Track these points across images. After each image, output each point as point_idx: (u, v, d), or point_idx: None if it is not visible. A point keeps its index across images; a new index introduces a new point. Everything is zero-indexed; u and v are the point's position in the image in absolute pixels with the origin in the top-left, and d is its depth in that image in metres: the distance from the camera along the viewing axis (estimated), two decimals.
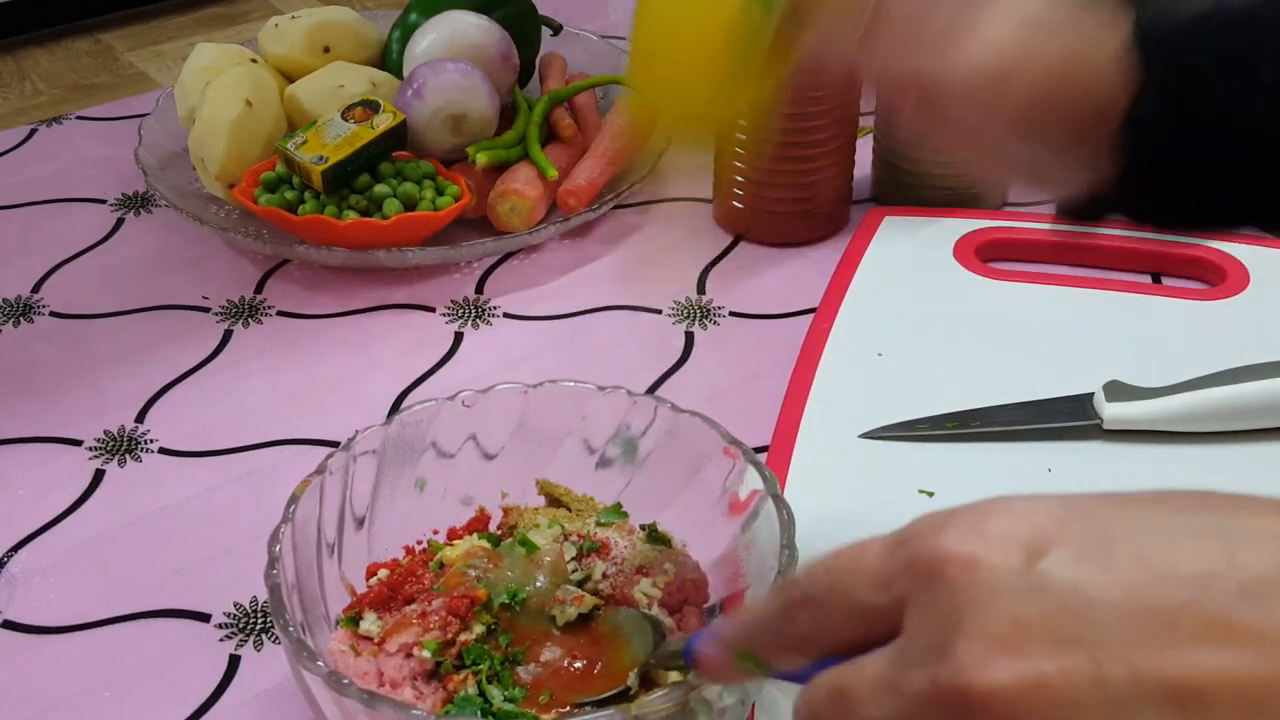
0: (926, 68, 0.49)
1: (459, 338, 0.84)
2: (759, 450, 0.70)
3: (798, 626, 0.38)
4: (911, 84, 0.50)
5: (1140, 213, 0.50)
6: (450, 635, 0.56)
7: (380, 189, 0.88)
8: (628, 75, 0.57)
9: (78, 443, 0.76)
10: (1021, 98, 0.47)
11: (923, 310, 0.83)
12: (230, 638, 0.64)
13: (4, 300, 0.89)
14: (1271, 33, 0.46)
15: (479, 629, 0.56)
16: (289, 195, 0.88)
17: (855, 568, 0.36)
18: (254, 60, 0.97)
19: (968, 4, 0.48)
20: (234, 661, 0.63)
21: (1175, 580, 0.31)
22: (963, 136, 0.50)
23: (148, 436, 0.77)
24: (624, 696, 0.53)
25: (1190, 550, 0.32)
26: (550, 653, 0.56)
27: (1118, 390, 0.71)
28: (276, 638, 0.64)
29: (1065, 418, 0.72)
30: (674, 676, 0.53)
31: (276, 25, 1.01)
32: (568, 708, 0.53)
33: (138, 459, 0.75)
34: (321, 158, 0.87)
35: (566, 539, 0.61)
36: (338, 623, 0.58)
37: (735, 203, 0.92)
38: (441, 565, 0.60)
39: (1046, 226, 0.51)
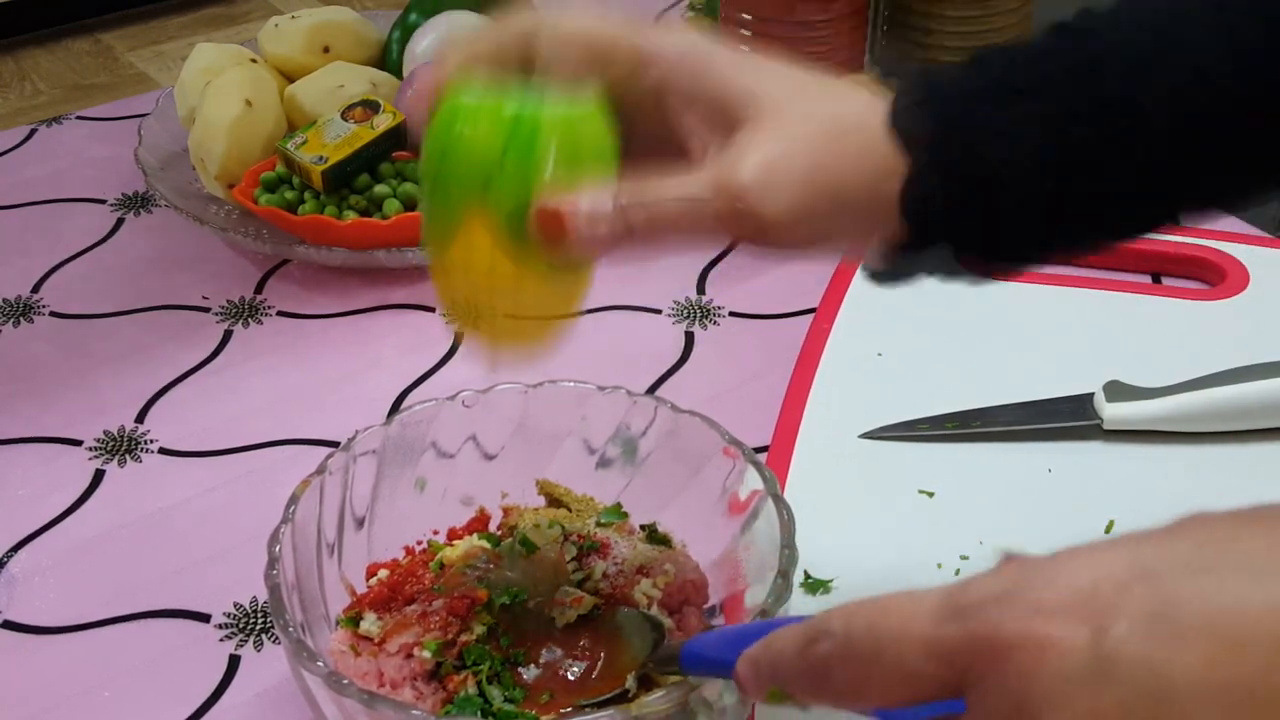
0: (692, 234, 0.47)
1: (459, 337, 0.84)
2: (759, 450, 0.70)
3: (836, 682, 0.37)
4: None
5: (939, 270, 0.51)
6: (450, 636, 0.56)
7: (380, 189, 0.88)
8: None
9: (78, 443, 0.76)
10: (797, 232, 0.46)
11: (923, 310, 0.82)
12: (230, 638, 0.64)
13: (4, 300, 0.89)
14: (1022, 87, 0.46)
15: (479, 629, 0.56)
16: (289, 195, 0.88)
17: (904, 633, 0.35)
18: (254, 60, 0.97)
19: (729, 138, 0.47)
20: (234, 661, 0.63)
21: (1248, 646, 0.30)
22: (772, 251, 0.49)
23: (148, 436, 0.77)
24: (623, 698, 0.53)
25: (1260, 606, 0.31)
26: (550, 653, 0.56)
27: (1118, 390, 0.71)
28: (276, 638, 0.64)
29: (1065, 418, 0.72)
30: (674, 677, 0.53)
31: (276, 25, 1.01)
32: (569, 708, 0.53)
33: (138, 459, 0.75)
34: (321, 158, 0.87)
35: (566, 539, 0.61)
36: (338, 623, 0.58)
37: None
38: (442, 565, 0.60)
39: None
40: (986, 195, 0.47)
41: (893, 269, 0.51)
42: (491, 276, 0.48)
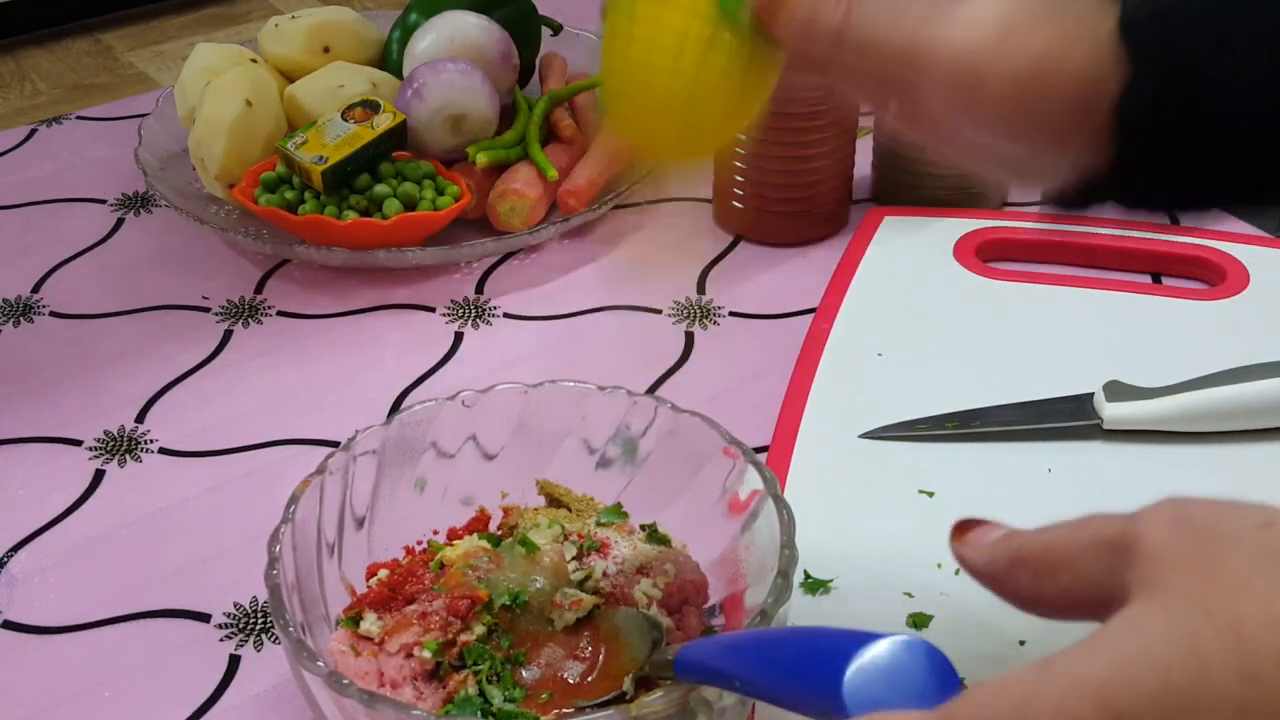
0: (907, 46, 0.47)
1: (459, 338, 0.84)
2: (759, 450, 0.70)
3: None
4: (892, 74, 0.48)
5: (1132, 199, 0.49)
6: (451, 635, 0.56)
7: (380, 189, 0.88)
8: (603, 112, 0.54)
9: (78, 443, 0.76)
10: (1003, 88, 0.46)
11: (923, 310, 0.83)
12: (230, 638, 0.64)
13: (4, 300, 0.89)
14: (1259, 13, 0.45)
15: (480, 629, 0.56)
16: (289, 195, 0.88)
17: None
18: (254, 60, 0.97)
19: None
20: (234, 661, 0.63)
21: None
22: (945, 137, 0.50)
23: (148, 437, 0.77)
24: (621, 699, 0.53)
25: None
26: (550, 653, 0.56)
27: (1118, 390, 0.71)
28: (276, 638, 0.64)
29: (1065, 418, 0.72)
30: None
31: (276, 25, 1.01)
32: (569, 709, 0.53)
33: (138, 459, 0.75)
34: (321, 158, 0.87)
35: (566, 539, 0.61)
36: (338, 623, 0.58)
37: (735, 203, 0.92)
38: (442, 565, 0.60)
39: (1038, 222, 0.49)
40: (1208, 121, 0.45)
41: (1081, 193, 0.49)
42: (684, 40, 0.49)
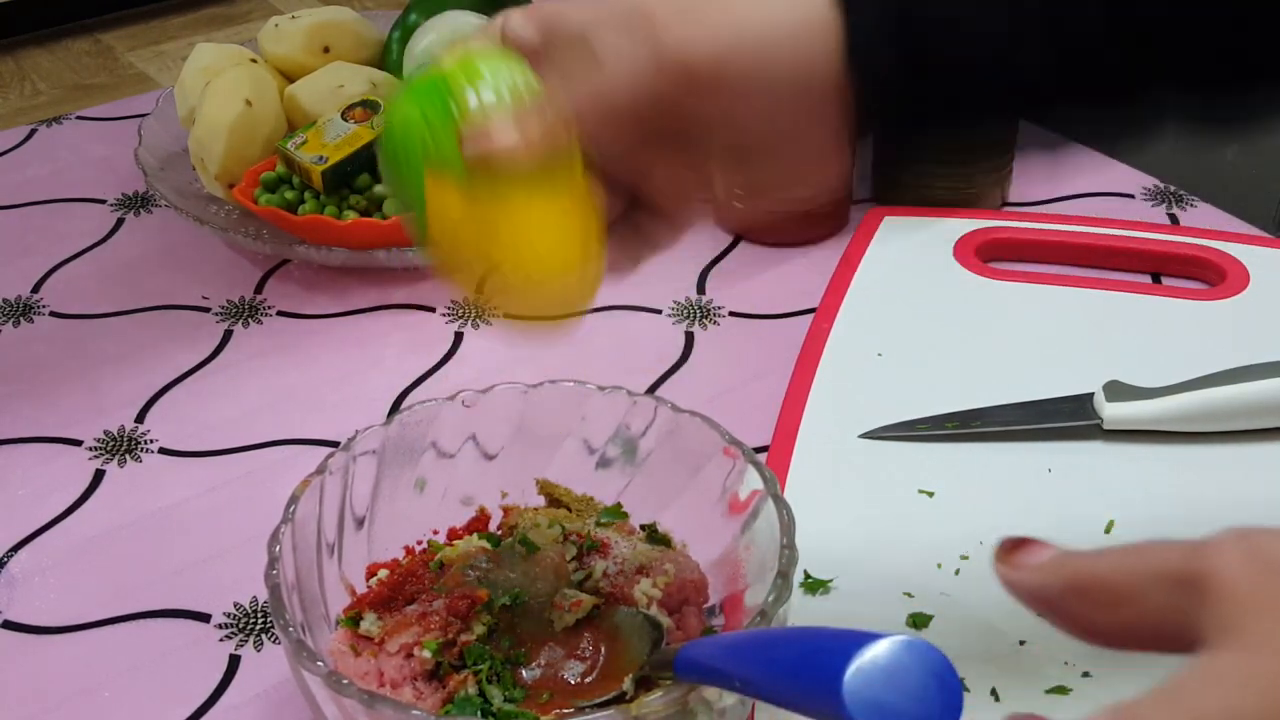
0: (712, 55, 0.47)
1: (459, 338, 0.84)
2: (759, 450, 0.70)
3: None
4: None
5: (895, 128, 0.51)
6: (451, 636, 0.56)
7: (380, 189, 0.88)
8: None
9: (78, 443, 0.76)
10: (745, 76, 0.47)
11: (923, 310, 0.83)
12: (230, 638, 0.64)
13: (4, 300, 0.89)
14: None
15: (479, 629, 0.56)
16: (289, 195, 0.89)
17: None
18: (254, 60, 0.97)
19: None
20: (234, 661, 0.63)
21: None
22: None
23: (148, 436, 0.77)
24: (620, 700, 0.53)
25: None
26: (551, 654, 0.56)
27: (1118, 390, 0.71)
28: (276, 638, 0.64)
29: (1065, 418, 0.72)
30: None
31: (276, 25, 1.01)
32: (569, 709, 0.53)
33: (137, 459, 0.75)
34: (321, 158, 0.87)
35: (566, 539, 0.61)
36: (338, 623, 0.58)
37: (735, 203, 0.92)
38: (442, 565, 0.60)
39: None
40: (936, 42, 0.46)
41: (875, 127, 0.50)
42: (475, 227, 0.49)
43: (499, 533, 0.63)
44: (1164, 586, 0.35)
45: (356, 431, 0.61)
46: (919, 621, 0.61)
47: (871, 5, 0.47)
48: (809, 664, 0.39)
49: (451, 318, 0.86)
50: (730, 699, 0.51)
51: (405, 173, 0.49)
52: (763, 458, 0.67)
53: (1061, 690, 0.57)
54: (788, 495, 0.58)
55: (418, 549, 0.63)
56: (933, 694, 0.37)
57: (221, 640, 0.64)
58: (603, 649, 0.56)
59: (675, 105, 0.47)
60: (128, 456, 0.75)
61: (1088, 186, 0.96)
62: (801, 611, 0.61)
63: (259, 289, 0.89)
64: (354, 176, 0.88)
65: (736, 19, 0.47)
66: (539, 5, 0.50)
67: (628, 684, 0.53)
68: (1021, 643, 0.60)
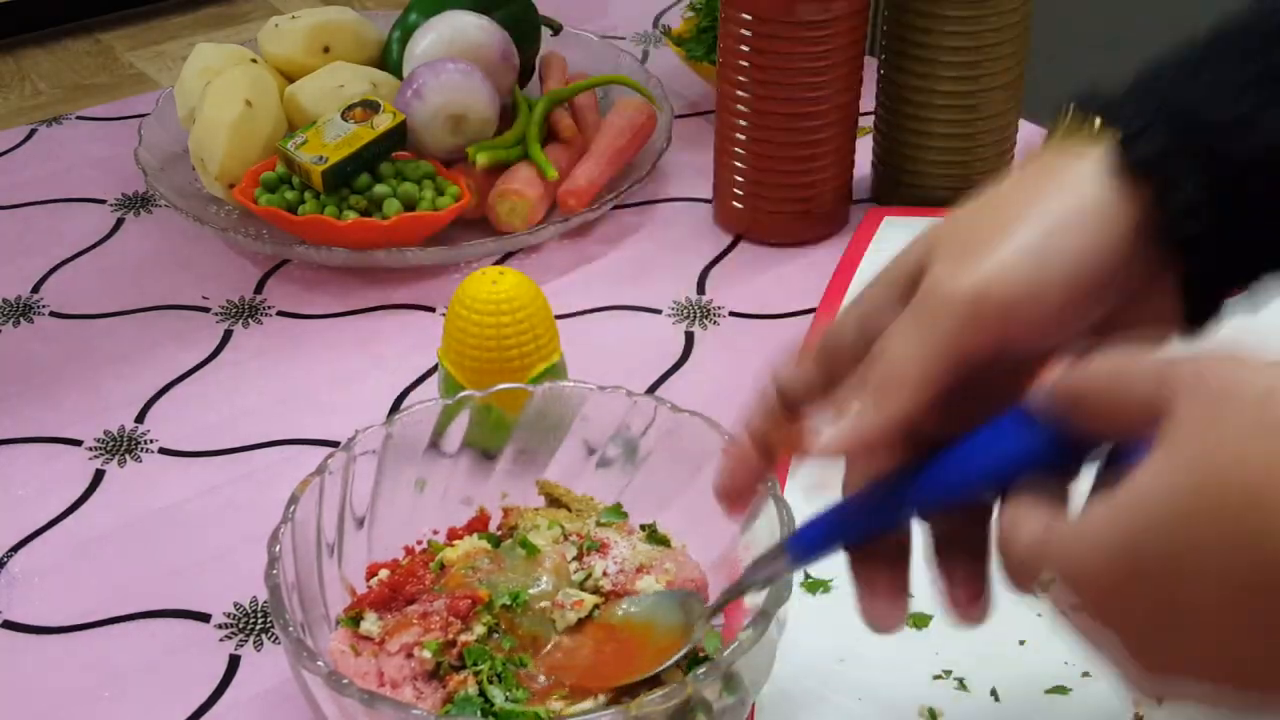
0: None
1: None
2: None
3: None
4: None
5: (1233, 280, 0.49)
6: (451, 636, 0.56)
7: (380, 189, 0.88)
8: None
9: (78, 443, 0.76)
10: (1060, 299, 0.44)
11: None
12: (230, 638, 0.64)
13: (4, 300, 0.89)
14: (1229, 67, 0.44)
15: (480, 630, 0.56)
16: (289, 195, 0.88)
17: None
18: (254, 60, 0.97)
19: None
20: (234, 661, 0.63)
21: None
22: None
23: (148, 436, 0.77)
24: (656, 681, 0.53)
25: None
26: (550, 653, 0.56)
27: None
28: (276, 638, 0.64)
29: None
30: (673, 678, 0.53)
31: (276, 25, 1.01)
32: (599, 696, 0.53)
33: (138, 459, 0.75)
34: (321, 158, 0.87)
35: (566, 539, 0.61)
36: (338, 623, 0.58)
37: (735, 203, 0.92)
38: (442, 566, 0.60)
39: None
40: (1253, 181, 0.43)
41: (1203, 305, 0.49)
42: None
43: (499, 533, 0.63)
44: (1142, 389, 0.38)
45: (356, 431, 0.61)
46: (919, 621, 0.61)
47: (1180, 167, 0.44)
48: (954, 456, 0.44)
49: None
50: (730, 698, 0.51)
51: None
52: None
53: (1061, 690, 0.57)
54: (788, 495, 0.58)
55: (418, 549, 0.63)
56: None
57: (221, 640, 0.64)
58: (616, 644, 0.56)
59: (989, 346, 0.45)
60: (128, 456, 0.75)
61: None
62: (801, 611, 0.61)
63: (259, 289, 0.89)
64: (354, 176, 0.88)
65: (1017, 235, 0.44)
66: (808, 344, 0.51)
67: (678, 656, 0.54)
68: (1021, 642, 0.60)
